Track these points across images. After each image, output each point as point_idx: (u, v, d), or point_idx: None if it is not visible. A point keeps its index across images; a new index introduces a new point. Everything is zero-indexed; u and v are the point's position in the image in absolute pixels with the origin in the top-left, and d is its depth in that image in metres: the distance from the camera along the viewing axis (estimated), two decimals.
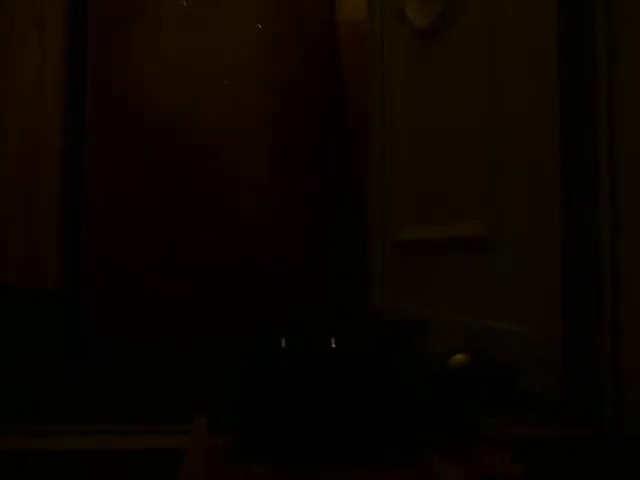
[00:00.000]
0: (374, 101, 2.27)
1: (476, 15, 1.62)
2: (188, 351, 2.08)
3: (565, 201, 1.27)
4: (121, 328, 2.37)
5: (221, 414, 0.90)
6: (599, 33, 1.22)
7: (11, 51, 2.46)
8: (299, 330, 0.90)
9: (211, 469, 0.86)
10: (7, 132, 2.45)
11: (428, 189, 1.88)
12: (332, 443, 0.86)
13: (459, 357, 1.01)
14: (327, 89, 2.67)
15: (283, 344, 0.86)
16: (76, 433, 1.10)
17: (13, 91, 2.46)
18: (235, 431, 0.90)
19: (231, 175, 2.56)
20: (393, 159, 2.14)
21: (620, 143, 1.17)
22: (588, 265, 1.23)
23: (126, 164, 2.52)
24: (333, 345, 0.87)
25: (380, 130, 2.23)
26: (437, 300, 1.76)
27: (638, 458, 1.04)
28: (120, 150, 2.52)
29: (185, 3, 2.55)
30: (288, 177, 2.59)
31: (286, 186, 2.59)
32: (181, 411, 1.21)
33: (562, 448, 1.06)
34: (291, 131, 2.61)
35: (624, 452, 1.06)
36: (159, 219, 2.52)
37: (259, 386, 0.87)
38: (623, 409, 1.12)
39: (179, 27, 2.57)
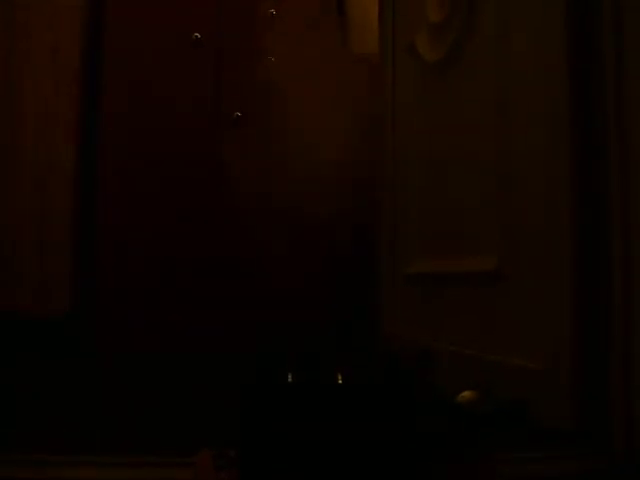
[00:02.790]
0: (385, 134, 2.28)
1: (486, 48, 1.63)
2: (195, 377, 2.07)
3: (577, 235, 1.26)
4: (130, 351, 2.37)
5: (226, 447, 0.90)
6: (608, 60, 1.23)
7: (25, 77, 2.50)
8: (306, 362, 0.90)
9: None
10: (21, 156, 2.48)
11: (439, 222, 1.88)
12: (338, 474, 0.85)
13: (467, 394, 1.00)
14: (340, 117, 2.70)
15: (289, 378, 0.85)
16: (82, 464, 1.10)
17: (27, 116, 2.49)
18: (241, 466, 0.89)
19: (243, 203, 2.58)
20: (404, 191, 2.14)
21: (629, 163, 1.17)
22: (600, 299, 1.22)
23: (136, 190, 2.54)
24: (339, 379, 0.86)
25: (391, 162, 2.23)
26: (447, 333, 1.75)
27: None
28: (132, 176, 2.54)
29: (198, 35, 2.59)
30: (301, 209, 2.60)
31: (300, 219, 2.60)
32: (187, 440, 1.20)
33: None
34: (304, 164, 2.63)
35: None
36: (170, 243, 2.53)
37: (265, 421, 0.86)
38: (636, 441, 1.10)
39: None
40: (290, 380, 0.85)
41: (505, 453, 1.11)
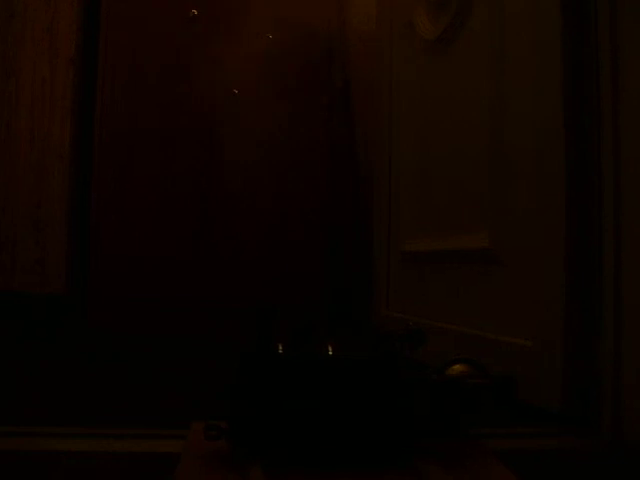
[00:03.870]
0: (381, 112, 2.28)
1: (483, 28, 1.63)
2: (189, 354, 2.09)
3: (570, 215, 1.26)
4: (124, 331, 2.38)
5: (218, 419, 0.90)
6: (602, 41, 1.22)
7: (21, 58, 2.49)
8: (298, 336, 0.90)
9: (207, 474, 0.86)
10: (17, 139, 2.48)
11: (434, 200, 1.88)
12: (328, 449, 0.86)
13: (457, 367, 1.01)
14: (335, 99, 2.69)
15: (280, 349, 0.86)
16: (74, 435, 1.11)
17: (23, 98, 2.48)
18: (231, 437, 0.90)
19: (236, 181, 2.58)
20: (400, 170, 2.14)
21: (624, 155, 1.17)
22: (591, 279, 1.23)
23: (134, 171, 2.54)
24: (330, 352, 0.87)
25: (387, 141, 2.23)
26: (440, 311, 1.76)
27: (638, 471, 1.03)
28: (128, 157, 2.54)
29: (195, 12, 2.57)
30: (295, 187, 2.60)
31: (294, 196, 2.59)
32: (179, 415, 1.21)
33: (560, 460, 1.06)
34: (298, 140, 2.62)
35: (623, 465, 1.05)
36: (164, 224, 2.53)
37: (255, 391, 0.87)
38: (623, 422, 1.11)
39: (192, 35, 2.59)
40: (280, 351, 0.86)
41: (493, 428, 1.12)
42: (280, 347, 0.85)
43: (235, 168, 2.59)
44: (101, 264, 2.49)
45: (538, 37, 1.37)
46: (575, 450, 1.11)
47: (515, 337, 1.38)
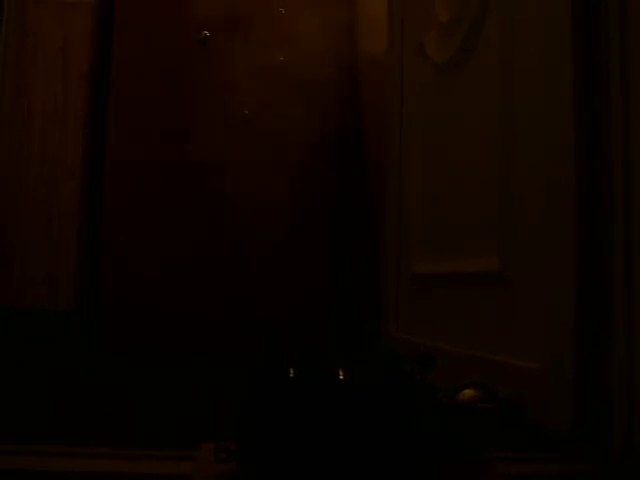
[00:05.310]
0: (392, 135, 2.28)
1: (494, 50, 1.63)
2: (200, 373, 2.08)
3: (580, 237, 1.26)
4: (135, 349, 2.38)
5: (228, 441, 0.90)
6: (613, 57, 1.23)
7: (34, 75, 2.51)
8: (309, 359, 0.90)
9: None
10: (29, 154, 2.49)
11: (444, 222, 1.88)
12: (338, 473, 0.85)
13: (468, 392, 1.00)
14: (346, 120, 2.69)
15: (291, 373, 0.85)
16: (83, 455, 1.10)
17: (35, 115, 2.50)
18: (241, 459, 0.89)
19: (246, 203, 2.58)
20: (410, 192, 2.14)
21: (634, 175, 1.17)
22: (601, 301, 1.22)
23: (145, 187, 2.54)
24: (341, 376, 0.87)
25: (397, 163, 2.23)
26: (450, 333, 1.75)
27: None
28: (139, 176, 2.54)
29: (207, 33, 2.59)
30: (306, 208, 2.60)
31: (303, 218, 2.59)
32: (190, 435, 1.21)
33: None
34: (309, 162, 2.62)
35: None
36: (174, 242, 2.53)
37: (266, 415, 0.86)
38: (634, 444, 1.10)
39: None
40: (292, 375, 0.86)
41: (503, 452, 1.12)
42: (291, 370, 0.85)
43: (247, 188, 2.59)
44: (111, 280, 2.49)
45: (548, 57, 1.37)
46: (586, 471, 1.10)
47: (525, 359, 1.37)
